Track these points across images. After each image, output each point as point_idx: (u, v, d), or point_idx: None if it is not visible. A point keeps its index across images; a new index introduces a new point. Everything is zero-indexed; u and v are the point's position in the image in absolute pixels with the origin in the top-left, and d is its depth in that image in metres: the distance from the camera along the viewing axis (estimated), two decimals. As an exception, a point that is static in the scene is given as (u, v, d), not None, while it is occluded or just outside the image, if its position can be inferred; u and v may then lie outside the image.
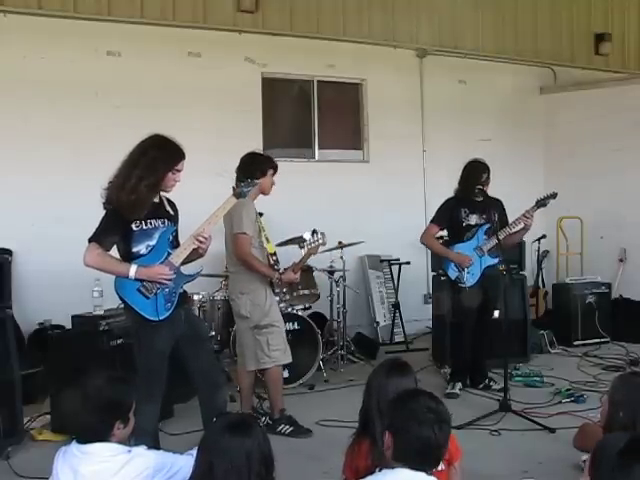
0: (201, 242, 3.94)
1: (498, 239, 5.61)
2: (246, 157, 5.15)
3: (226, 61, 7.67)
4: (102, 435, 2.74)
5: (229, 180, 4.87)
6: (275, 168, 5.13)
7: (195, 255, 4.04)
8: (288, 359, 5.14)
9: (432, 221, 6.06)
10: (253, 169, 4.95)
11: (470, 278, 5.81)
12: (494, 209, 5.89)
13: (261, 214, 5.39)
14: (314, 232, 5.07)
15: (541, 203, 5.78)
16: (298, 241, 5.32)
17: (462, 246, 5.87)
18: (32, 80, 6.69)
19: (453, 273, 5.86)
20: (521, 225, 5.78)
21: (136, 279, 3.79)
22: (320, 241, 5.00)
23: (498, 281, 5.97)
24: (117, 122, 6.86)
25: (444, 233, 6.25)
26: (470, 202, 5.90)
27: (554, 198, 5.81)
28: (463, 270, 5.80)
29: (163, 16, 7.32)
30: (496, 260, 5.91)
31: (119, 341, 4.98)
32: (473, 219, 5.90)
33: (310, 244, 5.03)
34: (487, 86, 9.27)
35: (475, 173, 5.86)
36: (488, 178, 5.88)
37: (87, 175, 6.13)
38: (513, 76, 9.57)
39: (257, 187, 5.03)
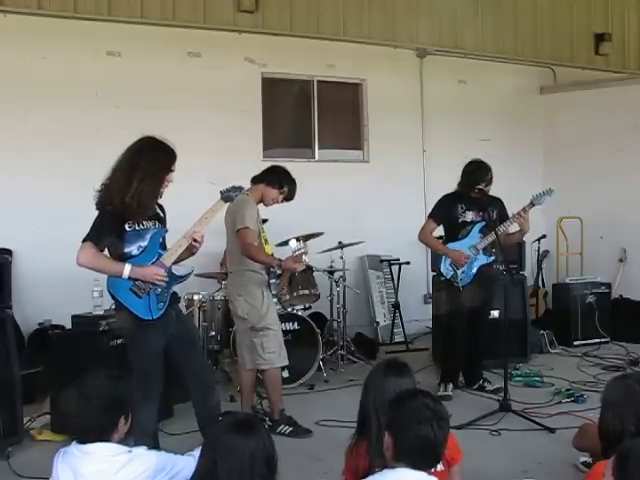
0: (196, 241, 3.95)
1: (496, 233, 5.56)
2: (279, 168, 5.22)
3: (226, 61, 7.67)
4: (107, 432, 2.73)
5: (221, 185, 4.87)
6: (289, 199, 5.20)
7: (186, 254, 4.04)
8: (283, 362, 5.14)
9: (429, 216, 6.01)
10: (272, 176, 5.10)
11: (464, 277, 5.78)
12: (493, 207, 5.83)
13: (265, 220, 5.41)
14: (298, 239, 5.22)
15: (536, 202, 5.64)
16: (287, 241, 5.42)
17: (457, 244, 5.82)
18: (32, 80, 6.69)
19: (447, 272, 5.81)
20: (516, 226, 5.70)
21: (130, 278, 3.78)
22: (302, 250, 5.04)
23: (493, 281, 5.97)
24: (117, 122, 6.86)
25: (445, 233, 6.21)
26: (468, 199, 5.83)
27: (550, 195, 5.67)
28: (457, 269, 5.76)
29: (163, 16, 7.32)
30: (490, 259, 5.88)
31: (119, 341, 4.96)
32: (469, 216, 5.82)
33: (295, 252, 5.07)
34: (487, 86, 9.27)
35: (479, 172, 5.79)
36: (491, 179, 5.83)
37: (87, 175, 6.01)
38: (513, 76, 9.56)
39: (259, 191, 5.05)
